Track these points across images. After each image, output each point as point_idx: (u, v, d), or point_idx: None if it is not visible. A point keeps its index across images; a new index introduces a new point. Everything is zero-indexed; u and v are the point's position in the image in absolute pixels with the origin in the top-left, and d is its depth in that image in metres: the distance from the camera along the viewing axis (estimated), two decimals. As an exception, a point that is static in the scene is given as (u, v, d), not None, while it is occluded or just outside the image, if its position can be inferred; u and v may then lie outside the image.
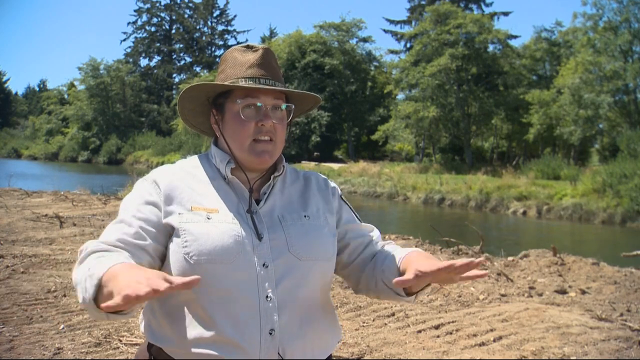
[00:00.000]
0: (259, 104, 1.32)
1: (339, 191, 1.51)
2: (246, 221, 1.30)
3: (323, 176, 1.51)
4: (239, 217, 1.30)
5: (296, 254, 1.29)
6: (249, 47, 1.39)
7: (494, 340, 3.84)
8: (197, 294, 1.23)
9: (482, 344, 3.79)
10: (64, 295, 4.50)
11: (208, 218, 1.27)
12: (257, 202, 1.35)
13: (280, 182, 1.41)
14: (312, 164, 32.85)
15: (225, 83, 1.33)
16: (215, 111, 1.38)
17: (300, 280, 1.29)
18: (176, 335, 1.24)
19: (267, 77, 1.34)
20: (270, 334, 1.23)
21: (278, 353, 1.24)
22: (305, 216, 1.36)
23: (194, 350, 1.22)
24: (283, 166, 1.41)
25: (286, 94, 1.39)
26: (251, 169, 1.37)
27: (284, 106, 1.36)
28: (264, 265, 1.26)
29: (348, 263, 1.44)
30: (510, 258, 6.92)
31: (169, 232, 1.28)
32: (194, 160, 1.42)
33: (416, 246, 7.17)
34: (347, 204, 1.50)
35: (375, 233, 1.48)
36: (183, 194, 1.31)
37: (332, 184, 1.50)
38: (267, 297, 1.25)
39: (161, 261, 1.29)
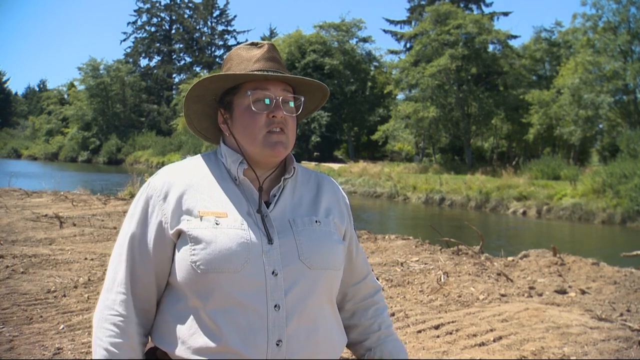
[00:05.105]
0: (267, 99, 1.30)
1: (348, 202, 1.47)
2: (256, 223, 1.27)
3: (335, 182, 1.48)
4: (248, 220, 1.26)
5: (306, 263, 1.27)
6: (254, 44, 1.38)
7: (494, 340, 3.84)
8: (204, 302, 1.21)
9: (482, 344, 3.79)
10: (64, 296, 4.50)
11: (217, 224, 1.24)
12: (267, 204, 1.32)
13: (291, 184, 1.38)
14: (312, 164, 32.78)
15: (235, 73, 1.31)
16: (223, 110, 1.35)
17: (309, 289, 1.26)
18: (182, 341, 1.22)
19: (275, 70, 1.33)
20: (278, 345, 1.21)
21: None
22: (316, 221, 1.33)
23: (198, 358, 1.20)
24: (294, 167, 1.36)
25: (294, 87, 1.37)
26: (264, 163, 1.33)
27: (291, 104, 1.35)
28: (273, 273, 1.23)
29: None
30: (510, 258, 6.90)
31: (174, 241, 1.26)
32: (200, 160, 1.38)
33: (416, 246, 7.16)
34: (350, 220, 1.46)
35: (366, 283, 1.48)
36: (190, 198, 1.27)
37: (343, 192, 1.48)
38: (275, 306, 1.22)
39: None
